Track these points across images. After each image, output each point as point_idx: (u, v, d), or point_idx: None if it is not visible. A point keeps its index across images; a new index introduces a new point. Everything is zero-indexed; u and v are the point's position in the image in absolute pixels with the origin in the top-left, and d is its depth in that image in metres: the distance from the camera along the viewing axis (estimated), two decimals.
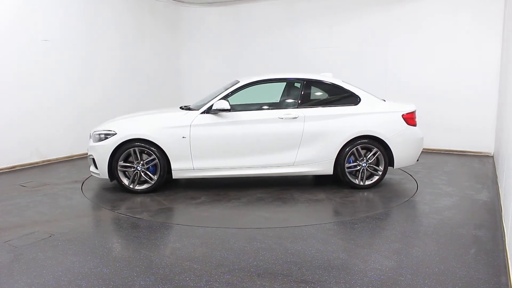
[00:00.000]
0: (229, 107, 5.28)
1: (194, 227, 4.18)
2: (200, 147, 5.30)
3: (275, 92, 6.01)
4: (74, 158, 7.75)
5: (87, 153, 5.58)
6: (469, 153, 7.90)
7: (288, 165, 5.41)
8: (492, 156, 7.60)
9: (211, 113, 5.34)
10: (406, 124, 5.46)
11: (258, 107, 5.73)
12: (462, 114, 7.89)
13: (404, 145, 5.45)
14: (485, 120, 7.71)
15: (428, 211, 4.67)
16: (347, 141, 5.36)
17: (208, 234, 4.00)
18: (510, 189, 3.72)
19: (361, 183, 5.47)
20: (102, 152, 5.30)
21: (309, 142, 5.36)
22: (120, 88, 8.74)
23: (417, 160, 5.74)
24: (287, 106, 5.58)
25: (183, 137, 5.27)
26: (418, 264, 3.32)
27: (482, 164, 7.04)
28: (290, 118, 5.34)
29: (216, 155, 5.34)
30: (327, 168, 5.44)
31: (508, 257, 3.27)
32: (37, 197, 5.29)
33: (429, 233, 3.99)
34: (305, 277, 3.10)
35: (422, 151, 5.79)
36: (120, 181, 5.37)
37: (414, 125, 5.56)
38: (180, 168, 5.35)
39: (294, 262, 3.36)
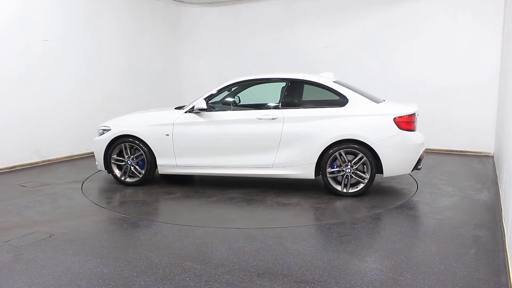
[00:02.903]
0: (205, 107, 5.41)
1: (194, 227, 4.18)
2: (181, 144, 5.50)
3: (273, 92, 5.99)
4: (74, 158, 7.75)
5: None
6: (469, 153, 7.90)
7: (267, 167, 5.29)
8: (492, 156, 7.60)
9: (193, 113, 5.50)
10: (398, 129, 4.99)
11: (243, 107, 5.70)
12: (462, 114, 7.89)
13: (395, 152, 5.00)
14: (485, 120, 7.70)
15: (428, 211, 4.66)
16: (328, 144, 5.06)
17: (208, 234, 4.00)
18: (510, 189, 3.72)
19: (344, 190, 5.12)
20: (99, 146, 5.78)
21: (288, 144, 5.18)
22: (120, 88, 8.74)
23: (419, 168, 5.26)
24: (269, 106, 5.48)
25: (167, 135, 5.52)
26: (418, 264, 3.32)
27: (482, 164, 7.04)
28: (269, 119, 5.24)
29: (196, 153, 5.49)
30: (308, 172, 5.19)
31: (508, 257, 3.27)
32: (37, 197, 5.29)
33: (429, 233, 3.99)
34: (305, 277, 3.10)
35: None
36: (112, 173, 5.81)
37: (410, 129, 5.07)
38: (165, 164, 5.62)
39: (294, 262, 3.36)
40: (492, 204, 4.88)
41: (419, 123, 5.54)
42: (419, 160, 5.18)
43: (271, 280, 3.06)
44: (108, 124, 5.87)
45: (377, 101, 5.35)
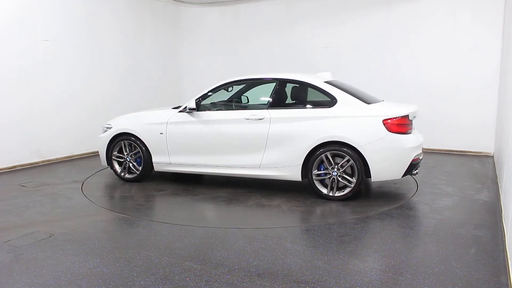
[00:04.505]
0: (194, 107, 5.48)
1: (194, 227, 4.18)
2: (174, 143, 5.62)
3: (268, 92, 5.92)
4: (74, 158, 7.75)
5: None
6: (469, 153, 7.90)
7: (254, 168, 5.25)
8: (492, 156, 7.60)
9: (185, 112, 5.59)
10: (387, 131, 4.75)
11: (233, 107, 5.74)
12: (462, 114, 7.89)
13: (383, 155, 4.76)
14: (485, 120, 7.70)
15: (428, 211, 4.66)
16: (314, 146, 4.91)
17: (208, 234, 4.00)
18: (510, 189, 3.72)
19: (330, 194, 4.94)
20: (102, 143, 6.03)
21: (274, 145, 5.10)
22: (121, 88, 8.74)
23: (414, 174, 5.08)
24: (257, 106, 5.49)
25: (161, 133, 5.67)
26: (418, 264, 3.32)
27: (482, 164, 7.03)
28: (256, 119, 5.21)
29: (187, 151, 5.59)
30: (294, 174, 5.07)
31: (508, 257, 3.27)
32: (37, 197, 5.29)
33: (429, 233, 3.99)
34: (305, 277, 3.10)
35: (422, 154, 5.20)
36: (113, 168, 6.05)
37: (401, 132, 4.80)
38: (160, 162, 5.76)
39: (294, 262, 3.36)
40: (492, 204, 4.88)
41: (419, 123, 5.46)
42: (413, 165, 4.92)
43: (271, 280, 3.06)
44: (111, 122, 6.12)
45: (369, 102, 5.12)
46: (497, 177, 5.99)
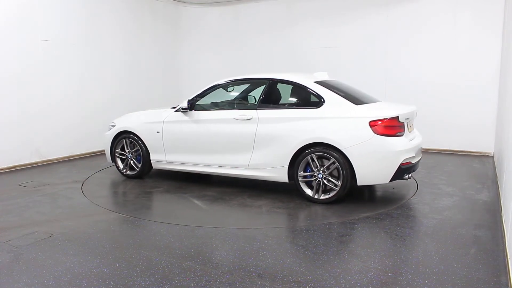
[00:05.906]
0: (186, 106, 5.60)
1: (194, 227, 4.18)
2: (169, 141, 5.76)
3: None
4: (74, 158, 7.75)
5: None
6: (469, 153, 7.90)
7: (243, 168, 5.26)
8: (492, 156, 7.60)
9: (180, 111, 5.70)
10: (373, 133, 4.56)
11: (225, 107, 5.78)
12: (462, 114, 7.88)
13: (368, 158, 4.57)
14: (485, 120, 7.70)
15: (428, 211, 4.66)
16: (299, 147, 4.82)
17: (208, 234, 4.00)
18: (510, 189, 3.72)
19: (316, 197, 4.81)
20: (107, 140, 6.28)
21: (262, 145, 5.08)
22: (121, 88, 8.73)
23: (406, 179, 4.84)
24: (247, 106, 5.55)
25: (157, 132, 5.82)
26: (418, 264, 3.32)
27: (482, 164, 7.03)
28: (244, 120, 5.21)
29: (181, 150, 5.71)
30: (281, 175, 5.01)
31: (508, 257, 3.27)
32: (37, 197, 5.29)
33: (429, 233, 3.99)
34: (305, 277, 3.10)
35: (421, 155, 5.15)
36: (116, 165, 6.27)
37: (390, 134, 4.60)
38: (157, 160, 5.93)
39: (294, 262, 3.36)
40: (492, 204, 4.88)
41: (419, 123, 5.39)
42: (403, 169, 4.68)
43: (271, 280, 3.06)
44: (115, 120, 6.37)
45: (362, 102, 4.98)
46: (497, 177, 5.99)
